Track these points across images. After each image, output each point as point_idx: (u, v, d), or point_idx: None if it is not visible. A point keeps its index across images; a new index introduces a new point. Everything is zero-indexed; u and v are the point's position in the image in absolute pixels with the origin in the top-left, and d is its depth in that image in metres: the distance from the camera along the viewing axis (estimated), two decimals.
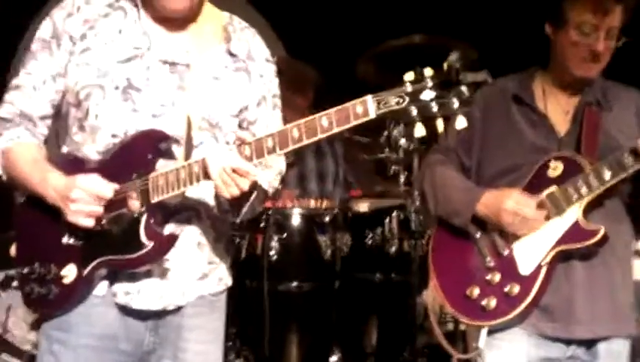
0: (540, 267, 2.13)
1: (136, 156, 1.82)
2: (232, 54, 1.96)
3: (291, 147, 1.69)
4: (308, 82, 3.85)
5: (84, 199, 1.77)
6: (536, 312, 2.14)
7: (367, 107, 1.63)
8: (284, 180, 2.11)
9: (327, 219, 3.52)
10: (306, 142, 1.68)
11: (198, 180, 1.75)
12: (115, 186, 1.80)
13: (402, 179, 3.64)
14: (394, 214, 3.50)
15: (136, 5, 1.90)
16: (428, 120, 1.63)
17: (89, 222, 1.79)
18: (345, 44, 4.63)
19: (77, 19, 1.88)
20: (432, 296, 2.35)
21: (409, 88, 1.62)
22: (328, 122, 1.65)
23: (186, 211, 1.89)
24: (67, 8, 1.90)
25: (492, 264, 2.19)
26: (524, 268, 2.14)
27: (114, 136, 1.85)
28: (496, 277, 2.17)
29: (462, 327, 2.96)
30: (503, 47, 4.11)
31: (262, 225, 3.45)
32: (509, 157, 2.25)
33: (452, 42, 3.15)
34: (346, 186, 4.13)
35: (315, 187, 3.98)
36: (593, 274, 2.15)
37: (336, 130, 1.66)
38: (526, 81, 2.32)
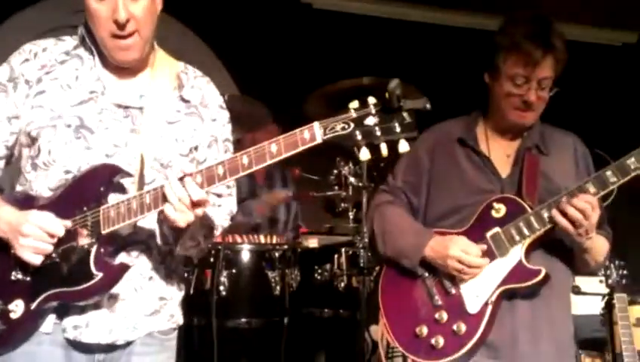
0: (486, 305, 2.18)
1: (88, 189, 1.84)
2: (184, 100, 2.01)
3: (241, 173, 1.74)
4: (260, 118, 3.89)
5: (34, 235, 1.78)
6: (482, 349, 2.19)
7: (314, 132, 1.71)
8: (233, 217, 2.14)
9: (276, 254, 3.54)
10: (255, 168, 1.74)
11: (149, 210, 1.78)
12: (67, 223, 1.80)
13: (351, 216, 3.69)
14: (343, 250, 3.54)
15: (92, 54, 1.94)
16: (372, 144, 1.72)
17: (36, 259, 1.79)
18: (294, 83, 4.71)
19: (34, 65, 1.91)
20: (380, 331, 2.37)
21: (354, 114, 1.71)
22: (277, 148, 1.72)
23: (138, 244, 1.90)
24: (24, 54, 1.93)
25: (440, 303, 2.23)
26: (471, 307, 2.19)
27: (67, 172, 1.86)
28: (444, 316, 2.21)
29: None
30: (449, 92, 4.25)
31: (211, 260, 3.45)
32: (454, 198, 2.31)
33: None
34: (296, 224, 4.16)
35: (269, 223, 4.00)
36: (535, 312, 2.21)
37: (285, 155, 1.72)
38: (470, 125, 2.40)
